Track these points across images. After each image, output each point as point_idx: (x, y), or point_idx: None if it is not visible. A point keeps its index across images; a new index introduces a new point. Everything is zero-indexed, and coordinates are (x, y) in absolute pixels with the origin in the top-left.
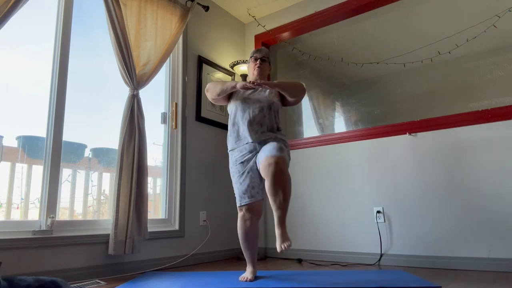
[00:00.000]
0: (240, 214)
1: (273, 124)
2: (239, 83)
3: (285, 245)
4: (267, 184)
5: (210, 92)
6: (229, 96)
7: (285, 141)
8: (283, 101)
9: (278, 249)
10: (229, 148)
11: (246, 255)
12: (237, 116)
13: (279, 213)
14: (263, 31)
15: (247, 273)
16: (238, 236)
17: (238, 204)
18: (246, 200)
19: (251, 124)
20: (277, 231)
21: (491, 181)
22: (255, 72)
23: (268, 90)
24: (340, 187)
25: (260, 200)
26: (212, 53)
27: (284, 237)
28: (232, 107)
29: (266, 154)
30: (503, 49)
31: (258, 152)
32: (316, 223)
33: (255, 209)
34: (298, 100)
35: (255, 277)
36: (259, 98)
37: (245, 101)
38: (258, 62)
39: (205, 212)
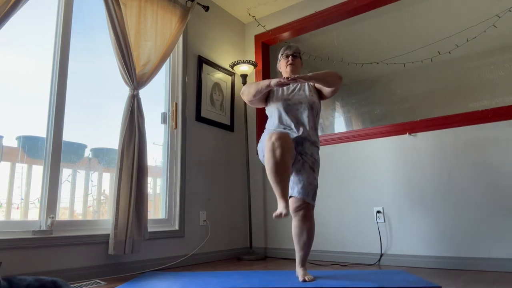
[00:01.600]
0: (268, 145)
1: (313, 125)
2: (274, 80)
3: (308, 278)
4: (294, 224)
5: (246, 94)
6: (266, 98)
7: (318, 157)
8: (321, 95)
9: (301, 279)
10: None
11: (276, 189)
12: (279, 118)
13: (302, 254)
14: (263, 31)
15: (281, 208)
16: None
17: (266, 134)
18: (278, 130)
19: (295, 125)
20: (298, 270)
21: (491, 181)
22: (288, 69)
23: (307, 89)
24: (340, 187)
25: (292, 138)
26: (212, 53)
27: (306, 274)
28: (272, 109)
29: (298, 192)
30: (503, 49)
31: (298, 143)
32: (316, 223)
33: (285, 140)
34: (336, 90)
35: (256, 279)
36: (300, 99)
37: (286, 102)
38: (290, 58)
39: (205, 212)
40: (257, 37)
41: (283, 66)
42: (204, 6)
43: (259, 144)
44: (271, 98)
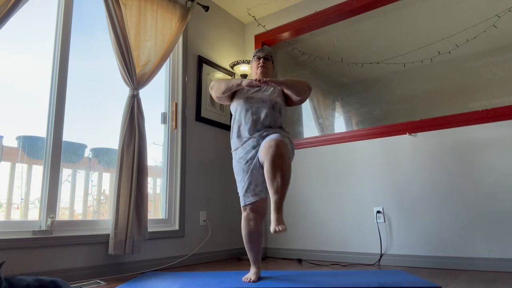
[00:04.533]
0: (244, 214)
1: (275, 124)
2: (245, 81)
3: (280, 228)
4: (266, 167)
5: (215, 90)
6: (232, 95)
7: (290, 138)
8: (287, 101)
9: (272, 231)
10: (232, 148)
11: (249, 255)
12: (240, 115)
13: (276, 198)
14: (263, 31)
15: (251, 274)
16: (239, 236)
17: (242, 204)
18: (249, 199)
19: (255, 123)
20: (272, 216)
21: (491, 181)
22: (258, 71)
23: (271, 90)
24: (340, 187)
25: (264, 198)
26: (212, 53)
27: (279, 221)
28: (235, 107)
29: (266, 140)
30: (503, 49)
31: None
32: (316, 223)
33: (259, 209)
34: (303, 99)
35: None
36: (262, 98)
37: (248, 100)
38: (261, 61)
39: (205, 212)
40: (257, 37)
41: (254, 68)
42: (204, 6)
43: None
44: (236, 95)
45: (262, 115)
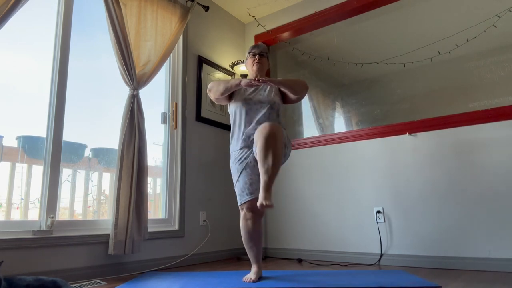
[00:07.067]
0: (242, 214)
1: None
2: (244, 80)
3: (266, 203)
4: (258, 147)
5: (213, 91)
6: (230, 96)
7: (286, 131)
8: (284, 99)
9: (258, 205)
10: (230, 149)
11: (249, 255)
12: (239, 116)
13: (266, 178)
14: (263, 31)
15: (251, 274)
16: (239, 236)
17: (239, 203)
18: (245, 198)
19: (253, 125)
20: (260, 193)
21: (491, 181)
22: (254, 68)
23: (268, 89)
24: (340, 187)
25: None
26: (212, 53)
27: (267, 198)
28: (234, 108)
29: (261, 125)
30: (503, 49)
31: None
32: (316, 223)
33: (256, 207)
34: (300, 98)
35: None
36: (260, 99)
37: (247, 101)
38: (257, 57)
39: (205, 212)
40: (257, 37)
41: (249, 65)
42: (204, 6)
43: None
44: (234, 96)
45: (262, 115)
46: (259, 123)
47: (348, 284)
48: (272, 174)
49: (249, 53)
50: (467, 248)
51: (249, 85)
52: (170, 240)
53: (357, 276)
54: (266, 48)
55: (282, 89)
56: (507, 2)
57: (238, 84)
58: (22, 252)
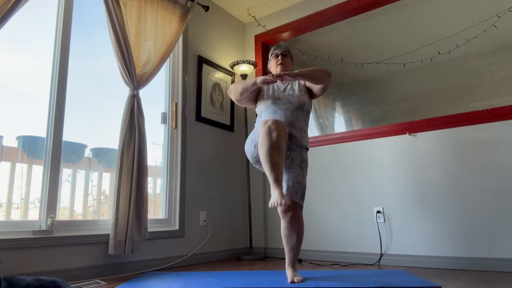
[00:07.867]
0: (264, 129)
1: (302, 127)
2: (259, 78)
3: (297, 279)
4: (283, 225)
5: (233, 93)
6: (255, 97)
7: (306, 156)
8: (311, 95)
9: (289, 282)
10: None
11: (271, 174)
12: (268, 116)
13: (291, 255)
14: (263, 31)
15: (275, 197)
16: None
17: (261, 122)
18: (272, 117)
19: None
20: (287, 271)
21: (491, 181)
22: (278, 69)
23: (297, 89)
24: (340, 187)
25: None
26: (212, 53)
27: (295, 275)
28: (262, 108)
29: (287, 190)
30: (503, 49)
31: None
32: (316, 223)
33: (282, 126)
34: (325, 88)
35: (256, 279)
36: (289, 99)
37: (276, 101)
38: (279, 58)
39: (205, 212)
40: (257, 37)
41: (273, 66)
42: (204, 6)
43: (246, 142)
44: (261, 97)
45: (291, 116)
46: (291, 125)
47: (348, 284)
48: (296, 251)
49: (271, 54)
50: (467, 248)
51: (265, 82)
52: (170, 240)
53: (357, 276)
54: (288, 46)
55: (303, 80)
56: (507, 2)
57: (255, 83)
58: (22, 252)
